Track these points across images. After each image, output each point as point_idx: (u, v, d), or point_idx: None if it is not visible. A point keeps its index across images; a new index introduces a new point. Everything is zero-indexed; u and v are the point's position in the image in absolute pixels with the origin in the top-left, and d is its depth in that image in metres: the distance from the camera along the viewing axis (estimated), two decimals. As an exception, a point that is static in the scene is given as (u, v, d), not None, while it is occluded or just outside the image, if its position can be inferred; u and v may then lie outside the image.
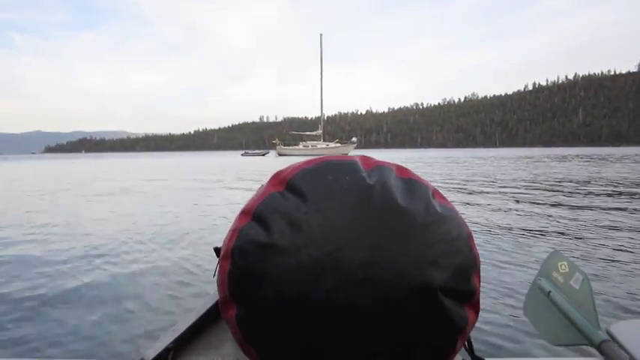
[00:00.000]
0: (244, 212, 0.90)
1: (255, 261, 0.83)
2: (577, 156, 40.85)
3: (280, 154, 63.37)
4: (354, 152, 64.07)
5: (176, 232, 5.87)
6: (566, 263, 1.41)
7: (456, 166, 24.52)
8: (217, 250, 1.24)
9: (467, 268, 0.87)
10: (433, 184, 0.86)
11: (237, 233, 0.87)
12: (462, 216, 0.83)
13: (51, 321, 2.96)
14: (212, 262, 3.86)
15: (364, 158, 0.95)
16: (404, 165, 0.94)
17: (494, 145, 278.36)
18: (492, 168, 20.86)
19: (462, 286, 0.85)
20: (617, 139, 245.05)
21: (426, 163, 28.14)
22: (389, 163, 0.95)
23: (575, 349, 1.80)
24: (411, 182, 0.90)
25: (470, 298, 0.87)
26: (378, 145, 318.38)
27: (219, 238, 4.43)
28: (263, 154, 72.30)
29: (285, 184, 0.88)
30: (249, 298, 0.84)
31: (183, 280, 3.78)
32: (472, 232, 0.91)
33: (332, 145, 65.15)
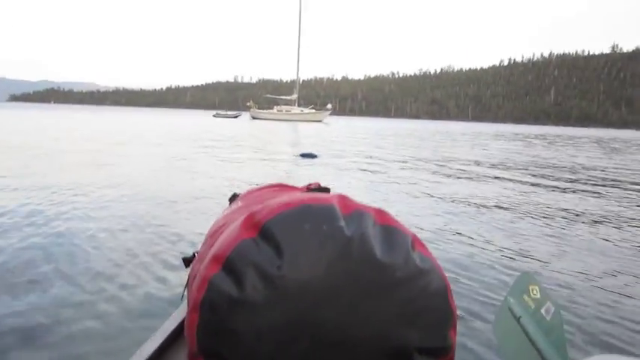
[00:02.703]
0: (215, 259, 0.85)
1: (226, 317, 0.78)
2: (537, 136, 41.49)
3: (254, 118, 62.71)
4: (330, 119, 63.96)
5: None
6: (537, 288, 1.40)
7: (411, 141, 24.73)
8: (186, 261, 1.22)
9: (444, 324, 0.84)
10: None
11: (207, 284, 0.82)
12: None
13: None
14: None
15: (343, 200, 0.90)
16: (383, 210, 0.89)
17: (467, 119, 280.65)
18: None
19: (439, 343, 0.83)
20: (586, 119, 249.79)
21: (382, 136, 28.18)
22: (367, 207, 0.90)
23: None
24: (390, 230, 0.86)
25: (446, 353, 0.85)
26: (352, 112, 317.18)
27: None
28: (235, 117, 71.15)
29: (259, 229, 0.83)
30: (220, 357, 0.79)
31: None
32: (449, 283, 0.88)
33: (307, 110, 64.56)
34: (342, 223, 0.82)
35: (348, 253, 0.79)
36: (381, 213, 0.89)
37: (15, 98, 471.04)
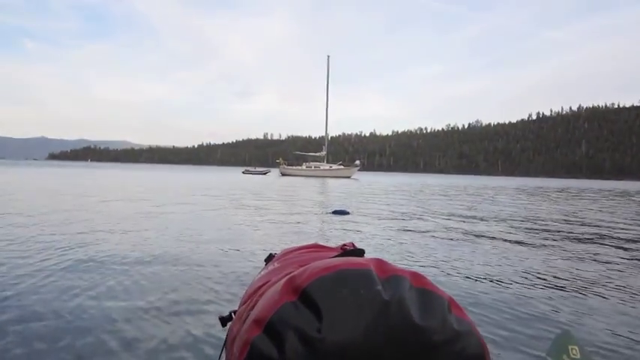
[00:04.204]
0: (256, 321, 0.87)
1: None
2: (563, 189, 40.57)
3: (283, 174, 63.38)
4: (358, 174, 64.21)
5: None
6: (577, 348, 1.35)
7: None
8: (223, 320, 1.24)
9: None
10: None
11: (249, 347, 0.84)
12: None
13: None
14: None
15: (379, 264, 0.91)
16: (419, 273, 0.90)
17: (496, 173, 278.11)
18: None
19: None
20: (620, 172, 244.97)
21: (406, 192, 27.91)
22: (404, 270, 0.91)
23: None
24: (427, 294, 0.87)
25: None
26: (380, 167, 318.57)
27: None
28: (264, 173, 71.73)
29: (300, 293, 0.85)
30: None
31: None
32: (487, 345, 0.86)
33: (335, 166, 65.20)
34: (380, 287, 0.84)
35: (385, 316, 0.80)
36: (416, 276, 0.90)
37: (53, 156, 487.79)
